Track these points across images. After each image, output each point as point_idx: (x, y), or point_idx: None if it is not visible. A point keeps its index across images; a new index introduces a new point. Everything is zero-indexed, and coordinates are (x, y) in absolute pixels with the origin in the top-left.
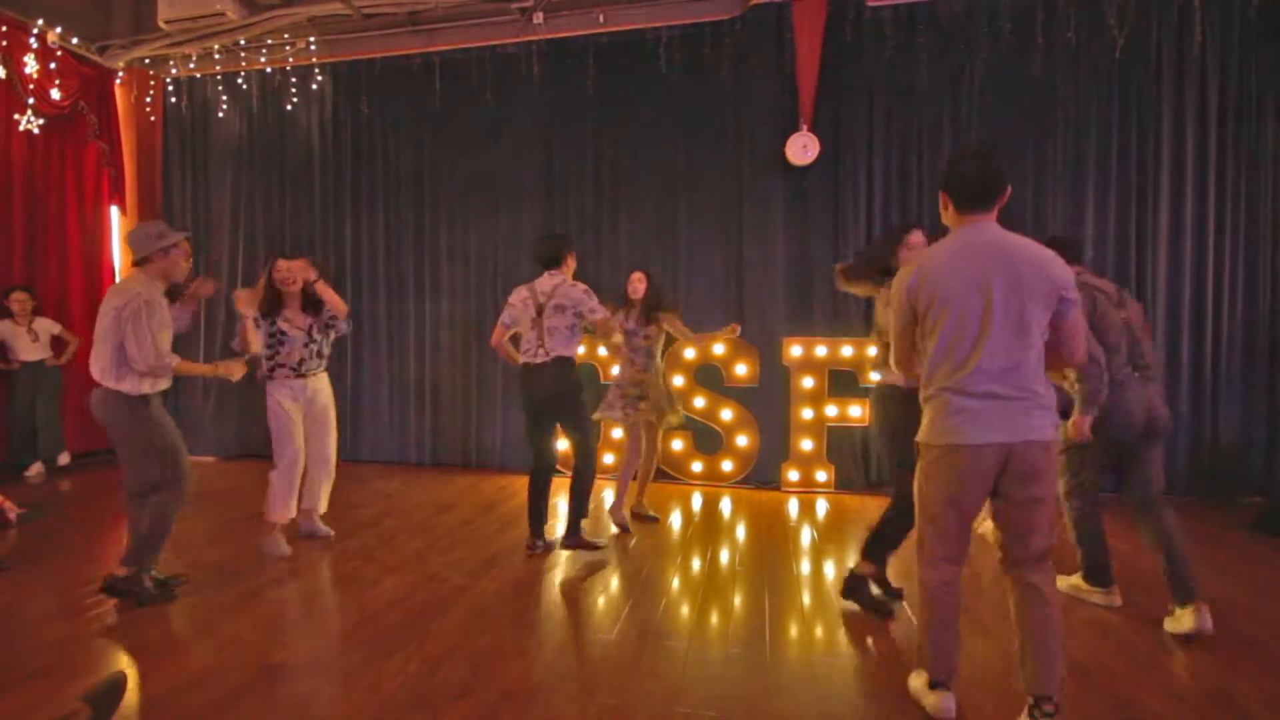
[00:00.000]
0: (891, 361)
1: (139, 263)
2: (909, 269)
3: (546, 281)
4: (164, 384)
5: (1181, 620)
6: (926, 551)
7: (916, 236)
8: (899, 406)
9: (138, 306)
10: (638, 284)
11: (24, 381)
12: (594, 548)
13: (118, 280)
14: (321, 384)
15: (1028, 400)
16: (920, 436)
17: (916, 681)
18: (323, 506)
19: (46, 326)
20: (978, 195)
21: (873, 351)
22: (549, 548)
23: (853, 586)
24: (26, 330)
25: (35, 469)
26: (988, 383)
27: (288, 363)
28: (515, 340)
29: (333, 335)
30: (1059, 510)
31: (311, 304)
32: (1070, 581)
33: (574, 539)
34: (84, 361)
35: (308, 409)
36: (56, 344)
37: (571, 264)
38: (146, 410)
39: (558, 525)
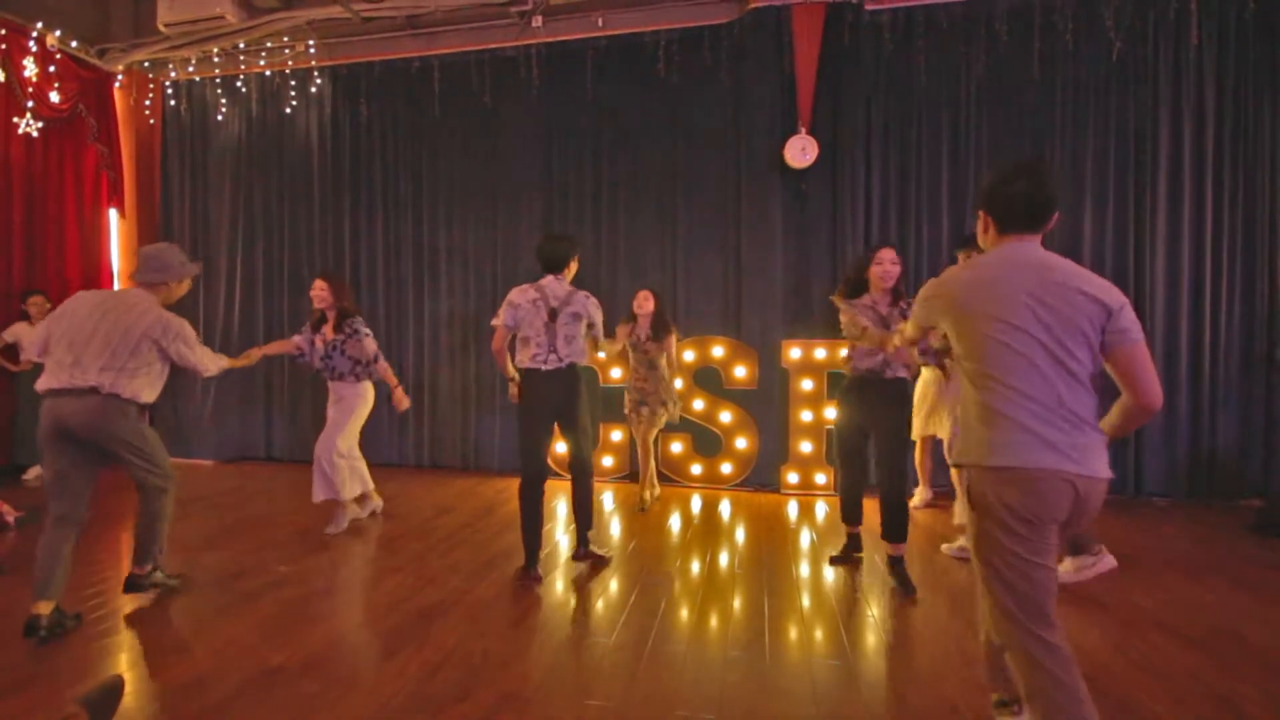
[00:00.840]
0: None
1: (150, 283)
2: (934, 280)
3: (556, 286)
4: None
5: None
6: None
7: (885, 253)
8: (842, 393)
9: (178, 329)
10: (645, 301)
11: (33, 383)
12: (603, 560)
13: (117, 288)
14: (340, 390)
15: (1088, 436)
16: (971, 458)
17: None
18: (316, 495)
19: None
20: (1025, 218)
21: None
22: (541, 579)
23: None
24: None
25: (34, 472)
26: (1034, 406)
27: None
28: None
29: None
30: None
31: (341, 322)
32: (1063, 567)
33: (584, 552)
34: None
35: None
36: None
37: (574, 268)
38: (144, 416)
39: (556, 530)
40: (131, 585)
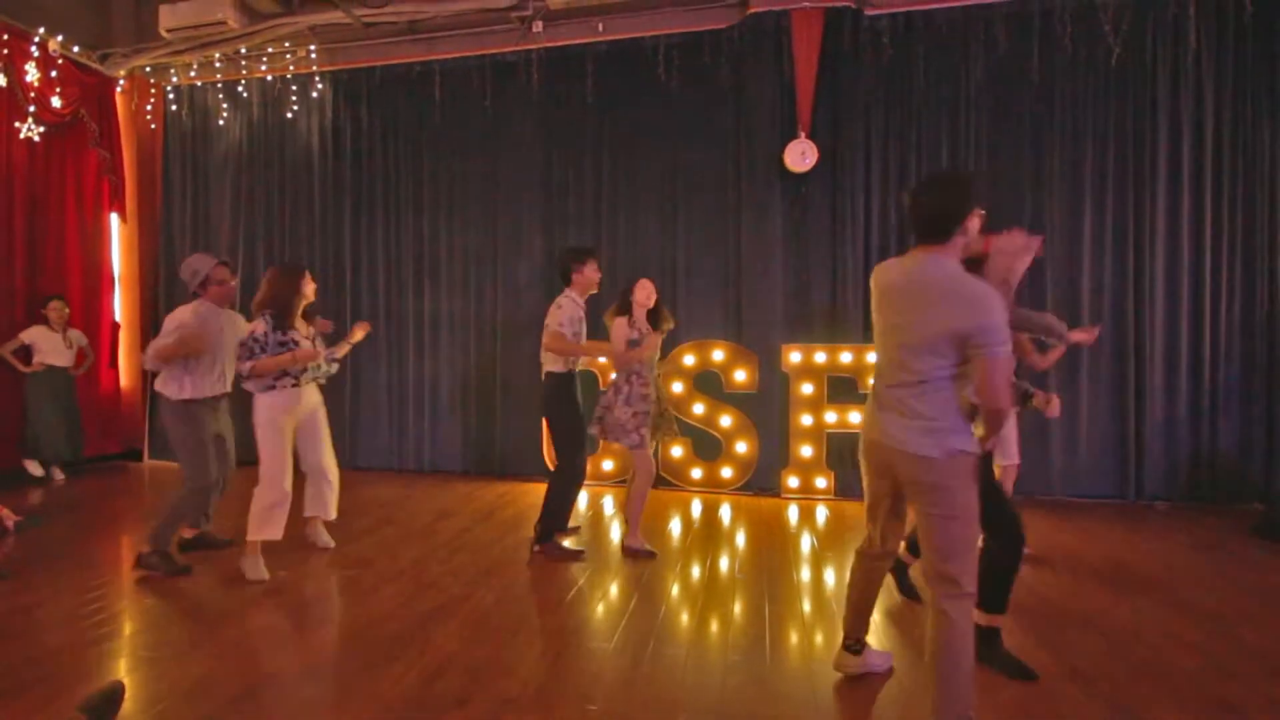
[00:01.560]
0: None
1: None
2: (874, 269)
3: (559, 297)
4: (208, 390)
5: None
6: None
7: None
8: None
9: (171, 317)
10: (652, 293)
11: (48, 386)
12: (573, 556)
13: (117, 288)
14: (312, 392)
15: (913, 421)
16: None
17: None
18: (331, 514)
19: (77, 337)
20: (925, 230)
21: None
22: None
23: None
24: (62, 337)
25: (43, 474)
26: (884, 393)
27: (292, 372)
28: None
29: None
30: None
31: (309, 314)
32: None
33: (547, 545)
34: (89, 374)
35: (302, 419)
36: (78, 355)
37: (583, 277)
38: (182, 415)
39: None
40: (136, 561)
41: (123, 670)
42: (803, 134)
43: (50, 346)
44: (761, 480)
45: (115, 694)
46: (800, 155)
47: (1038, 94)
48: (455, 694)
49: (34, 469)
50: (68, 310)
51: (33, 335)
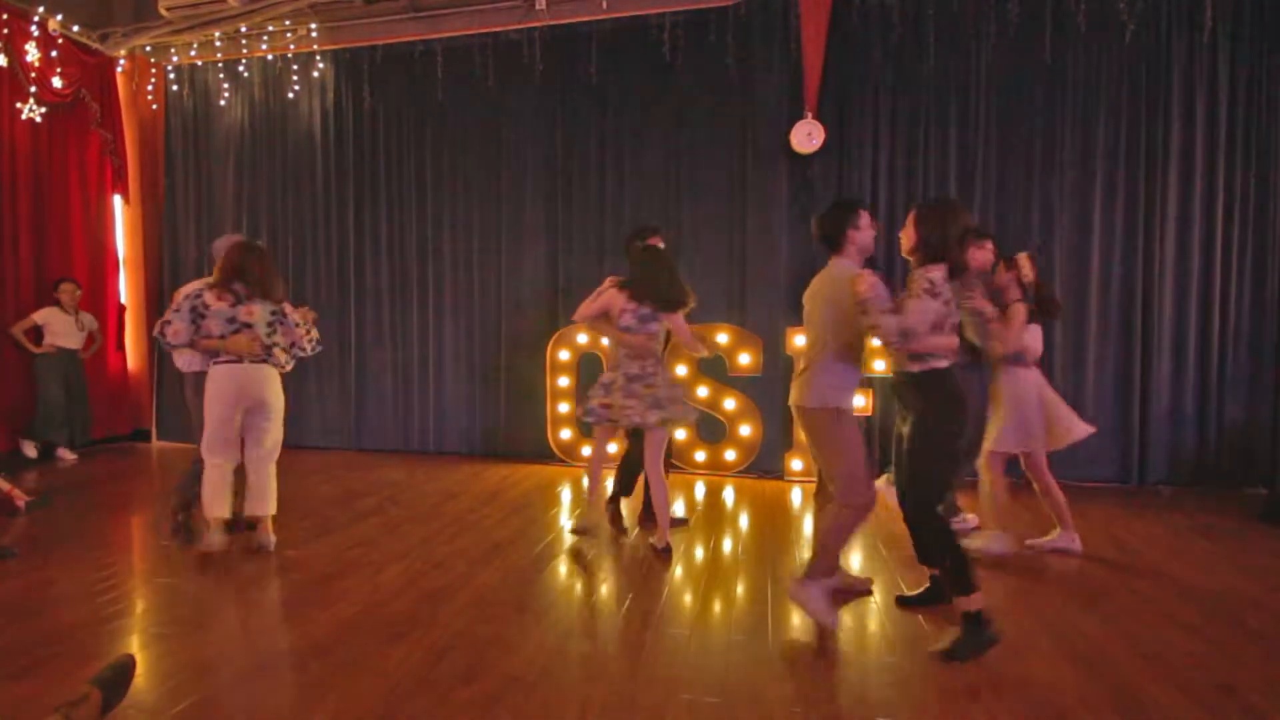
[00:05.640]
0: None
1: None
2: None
3: None
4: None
5: None
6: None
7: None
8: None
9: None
10: None
11: (58, 368)
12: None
13: (122, 271)
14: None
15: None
16: None
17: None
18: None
19: (89, 321)
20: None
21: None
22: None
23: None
24: (74, 319)
25: (59, 453)
26: None
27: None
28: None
29: None
30: None
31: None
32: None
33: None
34: (97, 356)
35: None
36: (88, 338)
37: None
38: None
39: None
40: None
41: (134, 647)
42: (809, 114)
43: (62, 328)
44: (765, 463)
45: (126, 668)
46: (807, 136)
47: (1049, 74)
48: (461, 671)
49: (29, 450)
50: (79, 293)
51: (45, 316)
